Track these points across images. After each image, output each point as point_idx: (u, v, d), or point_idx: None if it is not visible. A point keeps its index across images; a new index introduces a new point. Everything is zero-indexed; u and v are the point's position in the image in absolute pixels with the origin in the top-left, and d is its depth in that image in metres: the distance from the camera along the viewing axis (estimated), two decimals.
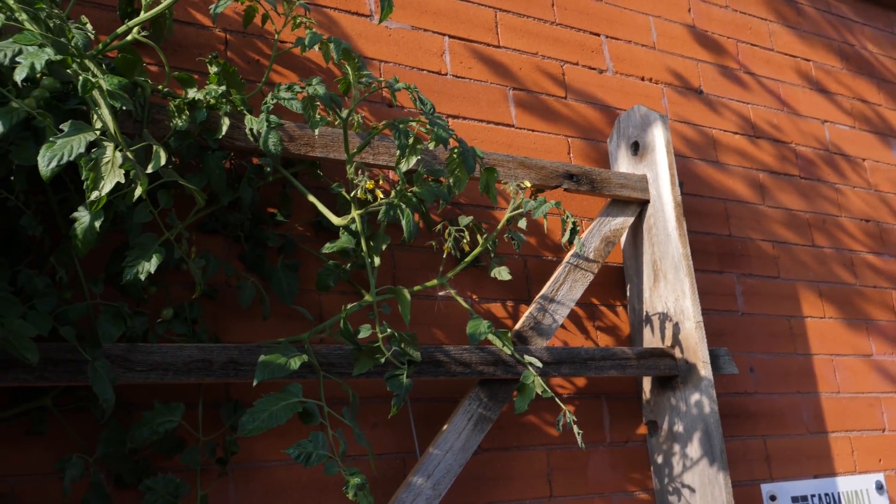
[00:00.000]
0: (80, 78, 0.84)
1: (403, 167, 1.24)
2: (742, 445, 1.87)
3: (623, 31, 2.02)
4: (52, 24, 0.95)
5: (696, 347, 1.66)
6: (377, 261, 1.32)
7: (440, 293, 1.52)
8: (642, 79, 2.01)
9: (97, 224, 0.96)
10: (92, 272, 1.18)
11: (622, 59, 2.00)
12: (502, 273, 1.60)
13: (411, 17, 1.68)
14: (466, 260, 1.44)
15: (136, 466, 1.22)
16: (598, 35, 1.96)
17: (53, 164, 0.85)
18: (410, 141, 1.20)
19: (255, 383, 1.13)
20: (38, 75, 0.97)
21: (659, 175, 1.76)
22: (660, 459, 1.72)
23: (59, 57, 0.83)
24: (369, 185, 1.20)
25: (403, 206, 1.23)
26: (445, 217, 1.57)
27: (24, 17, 0.87)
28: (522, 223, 1.50)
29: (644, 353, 1.67)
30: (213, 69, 1.31)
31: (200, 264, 1.22)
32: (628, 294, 1.83)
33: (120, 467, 1.21)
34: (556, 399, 1.36)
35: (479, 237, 1.50)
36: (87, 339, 1.11)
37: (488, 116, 1.73)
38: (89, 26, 1.21)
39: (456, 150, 1.27)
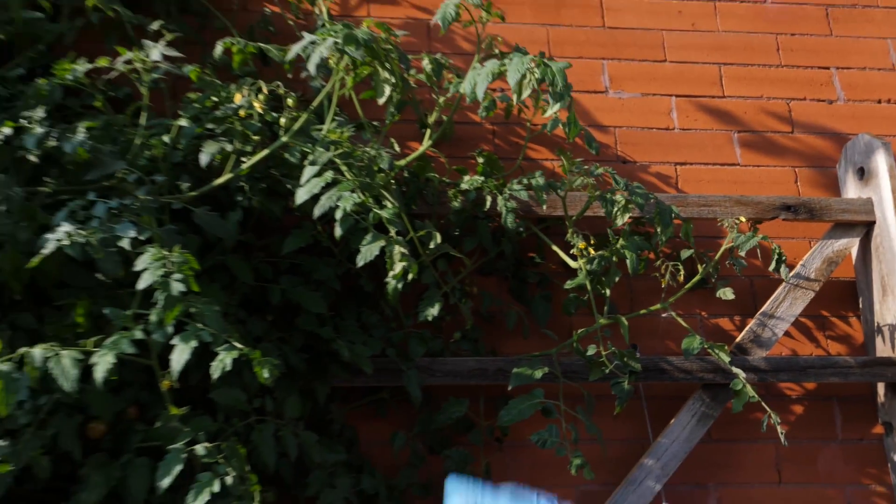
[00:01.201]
0: (371, 213, 1.28)
1: (619, 222, 1.55)
2: None
3: (856, 59, 2.04)
4: (364, 163, 1.42)
5: None
6: (608, 292, 1.63)
7: (663, 315, 1.77)
8: (878, 101, 2.02)
9: (399, 286, 1.40)
10: (406, 310, 1.66)
11: (854, 86, 2.03)
12: (727, 293, 1.79)
13: (640, 87, 1.94)
14: (686, 287, 1.69)
15: (440, 439, 1.68)
16: (828, 68, 2.02)
17: (367, 258, 1.31)
18: (615, 209, 1.50)
19: (510, 388, 1.53)
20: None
21: (883, 198, 1.81)
22: None
23: (361, 199, 1.28)
24: (581, 245, 1.52)
25: (623, 250, 1.54)
26: (675, 248, 1.81)
27: (344, 168, 1.34)
28: (744, 250, 1.70)
29: (868, 362, 1.75)
30: (480, 160, 1.73)
31: (469, 305, 1.64)
32: (861, 306, 1.89)
33: (430, 440, 1.68)
34: (762, 402, 1.55)
35: (699, 266, 1.73)
36: (404, 355, 1.60)
37: (714, 159, 1.92)
38: (396, 146, 1.69)
39: (657, 209, 1.54)
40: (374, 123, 1.66)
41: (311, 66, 1.19)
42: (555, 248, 1.67)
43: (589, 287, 1.56)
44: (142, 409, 1.43)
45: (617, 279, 1.67)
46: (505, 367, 1.64)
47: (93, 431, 1.38)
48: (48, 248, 1.19)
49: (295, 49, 1.24)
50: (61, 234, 1.20)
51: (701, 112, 1.95)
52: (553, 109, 1.24)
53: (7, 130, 1.31)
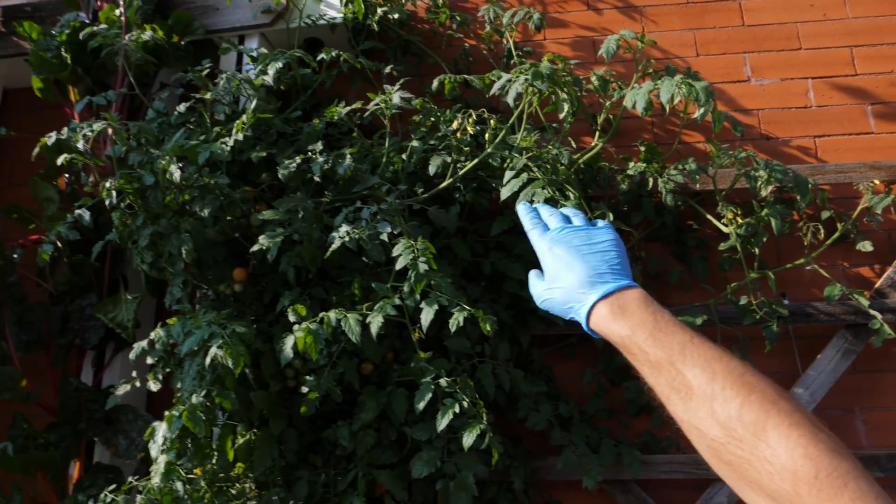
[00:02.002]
0: (559, 203, 1.63)
1: (763, 193, 1.79)
2: None
3: None
4: (550, 162, 1.77)
5: None
6: (757, 251, 1.88)
7: (807, 267, 1.98)
8: None
9: None
10: None
11: None
12: (865, 245, 1.96)
13: (779, 73, 2.14)
14: (827, 242, 1.89)
15: (620, 374, 2.01)
16: None
17: None
18: (759, 183, 1.75)
19: None
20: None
21: None
22: None
23: (550, 193, 1.62)
24: (730, 215, 1.78)
25: (768, 217, 1.79)
26: (818, 210, 2.01)
27: (535, 169, 1.69)
28: (879, 208, 1.88)
29: None
30: (642, 148, 2.02)
31: (639, 268, 1.95)
32: None
33: (611, 375, 2.02)
34: None
35: (838, 225, 1.93)
36: None
37: (849, 130, 2.08)
38: (572, 143, 2.03)
39: (795, 181, 1.77)
40: (554, 126, 2.01)
41: (510, 100, 1.55)
42: (709, 216, 1.93)
43: (739, 248, 1.82)
44: (396, 354, 1.88)
45: (764, 239, 1.90)
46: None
47: (365, 369, 1.83)
48: (336, 244, 1.62)
49: (497, 86, 1.61)
50: (342, 232, 1.64)
51: (835, 91, 2.12)
52: (698, 114, 1.52)
53: (298, 160, 1.79)
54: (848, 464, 0.60)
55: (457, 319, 1.55)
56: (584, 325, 0.90)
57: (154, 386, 1.79)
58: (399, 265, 1.58)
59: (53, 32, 2.19)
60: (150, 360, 1.79)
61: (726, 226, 1.85)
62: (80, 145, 1.60)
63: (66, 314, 2.03)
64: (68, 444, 1.95)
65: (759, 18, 2.21)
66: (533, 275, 1.02)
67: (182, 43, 2.22)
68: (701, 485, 1.88)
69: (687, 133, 2.14)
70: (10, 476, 2.00)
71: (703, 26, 2.22)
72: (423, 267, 1.56)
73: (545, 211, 1.07)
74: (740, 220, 1.76)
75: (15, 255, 2.01)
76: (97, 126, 1.64)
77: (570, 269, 0.91)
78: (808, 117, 2.11)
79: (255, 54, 2.07)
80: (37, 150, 1.68)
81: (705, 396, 0.70)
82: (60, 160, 1.63)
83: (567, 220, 1.03)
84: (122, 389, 1.82)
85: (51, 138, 1.64)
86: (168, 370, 1.80)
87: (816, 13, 2.19)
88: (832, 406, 1.92)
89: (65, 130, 1.65)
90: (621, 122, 2.15)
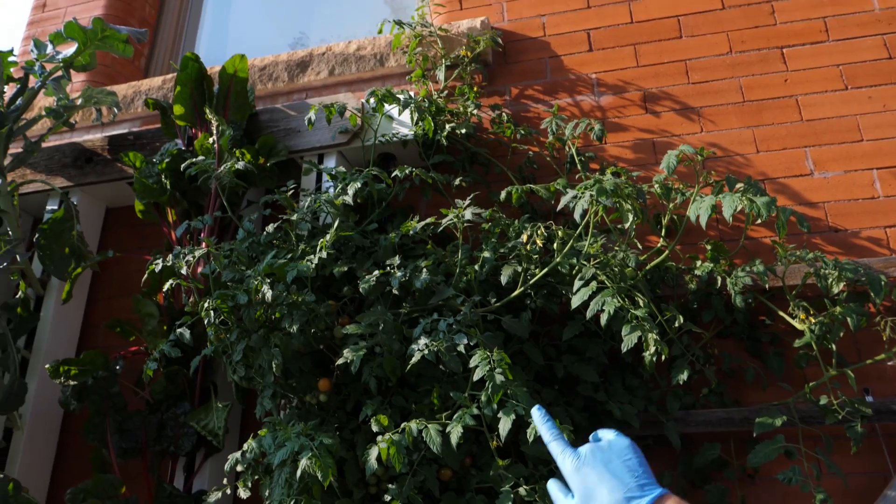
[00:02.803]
0: (628, 314, 1.66)
1: (835, 290, 1.78)
2: None
3: None
4: (618, 265, 1.81)
5: None
6: (834, 346, 1.85)
7: (889, 363, 1.93)
8: None
9: (653, 359, 1.75)
10: (660, 372, 2.01)
11: None
12: None
13: (842, 166, 2.14)
14: None
15: (700, 476, 1.97)
16: None
17: (629, 345, 1.68)
18: (830, 281, 1.74)
19: (754, 435, 1.80)
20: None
21: None
22: None
23: (619, 303, 1.66)
24: (802, 316, 1.77)
25: (841, 315, 1.77)
26: (894, 303, 1.98)
27: (603, 277, 1.74)
28: None
29: None
30: (708, 247, 2.04)
31: (713, 368, 1.94)
32: None
33: (690, 477, 1.98)
34: None
35: None
36: (663, 410, 1.94)
37: None
38: (639, 245, 2.07)
39: (867, 277, 1.76)
40: (619, 227, 2.06)
41: (577, 215, 1.62)
42: (781, 313, 1.92)
43: (815, 346, 1.79)
44: (473, 459, 1.90)
45: (841, 334, 1.87)
46: (749, 415, 1.91)
47: (443, 476, 1.85)
48: (416, 357, 1.69)
49: (564, 200, 1.68)
50: (421, 345, 1.71)
51: None
52: (759, 220, 1.55)
53: (377, 274, 1.88)
54: None
55: (534, 429, 1.57)
56: None
57: (244, 493, 1.85)
58: (476, 376, 1.63)
59: (154, 161, 2.40)
60: (239, 468, 1.87)
61: (801, 322, 1.84)
62: (184, 270, 1.74)
63: (161, 422, 2.14)
64: None
65: (817, 113, 2.23)
66: (556, 489, 1.10)
67: (267, 164, 2.39)
68: None
69: (753, 229, 2.15)
70: None
71: (762, 123, 2.26)
72: (499, 378, 1.60)
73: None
74: (813, 320, 1.74)
75: (118, 367, 2.15)
76: (198, 253, 1.77)
77: (605, 488, 0.99)
78: (876, 208, 2.10)
79: (333, 172, 2.22)
80: (146, 276, 1.82)
81: None
82: (167, 286, 1.76)
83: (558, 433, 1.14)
84: (214, 497, 1.89)
85: (158, 265, 1.79)
86: (256, 477, 1.87)
87: (876, 104, 2.20)
88: None
89: (170, 258, 1.79)
90: (688, 227, 2.18)
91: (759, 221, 1.51)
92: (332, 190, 2.17)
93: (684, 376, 1.81)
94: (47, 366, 2.11)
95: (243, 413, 2.32)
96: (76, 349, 2.62)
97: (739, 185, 1.50)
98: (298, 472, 1.57)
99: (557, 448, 1.10)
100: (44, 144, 2.95)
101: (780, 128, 2.25)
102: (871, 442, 1.90)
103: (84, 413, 2.48)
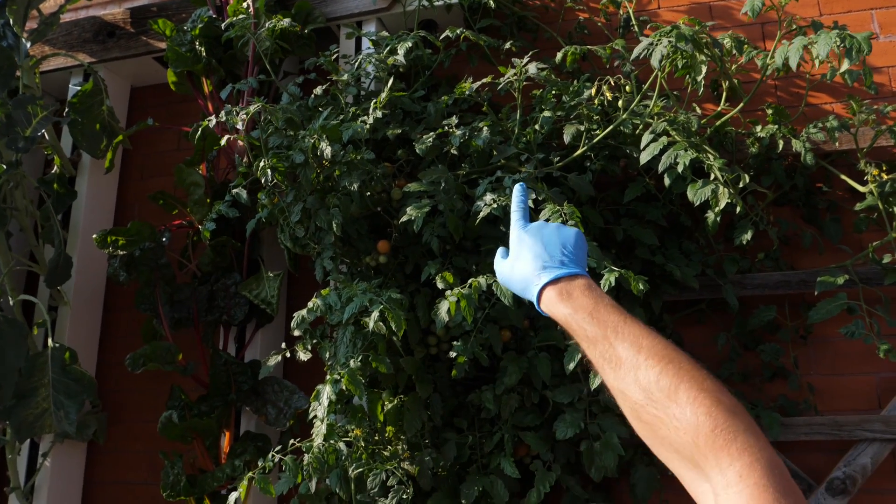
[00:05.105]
0: (706, 164, 1.62)
1: None
2: None
3: None
4: (684, 126, 1.76)
5: None
6: (895, 210, 1.83)
7: None
8: None
9: (718, 218, 1.72)
10: (718, 237, 1.99)
11: None
12: None
13: None
14: None
15: (753, 338, 1.99)
16: None
17: (701, 198, 1.65)
18: None
19: (816, 293, 1.80)
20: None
21: None
22: None
23: (694, 154, 1.62)
24: (875, 171, 1.74)
25: None
26: None
27: (673, 133, 1.69)
28: None
29: None
30: (769, 111, 1.99)
31: (775, 230, 1.92)
32: None
33: (744, 339, 1.99)
34: None
35: None
36: (720, 273, 1.93)
37: None
38: (698, 109, 2.01)
39: None
40: (676, 93, 2.00)
41: (654, 62, 1.56)
42: (843, 177, 1.89)
43: (881, 205, 1.77)
44: (531, 321, 1.90)
45: None
46: (806, 278, 1.90)
47: (504, 336, 1.86)
48: (484, 212, 1.66)
49: (639, 48, 1.61)
50: (489, 199, 1.68)
51: None
52: (845, 66, 1.49)
53: (433, 135, 1.83)
54: (741, 422, 0.72)
55: (608, 280, 1.56)
56: (535, 304, 1.00)
57: (304, 356, 1.86)
58: None
59: (186, 28, 2.29)
60: (296, 332, 1.87)
61: (865, 184, 1.81)
62: (239, 125, 1.68)
63: (212, 293, 2.13)
64: (220, 413, 2.05)
65: None
66: (499, 252, 1.14)
67: (304, 32, 2.29)
68: (842, 446, 1.85)
69: (813, 94, 2.09)
70: (169, 444, 2.12)
71: None
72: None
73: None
74: (885, 177, 1.71)
75: (164, 239, 2.12)
76: (253, 108, 1.71)
77: (532, 253, 1.02)
78: None
79: (375, 38, 2.13)
80: (198, 132, 1.76)
81: (631, 366, 0.82)
82: (224, 141, 1.71)
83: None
84: (274, 360, 1.90)
85: (211, 121, 1.73)
86: (315, 341, 1.88)
87: None
88: None
89: (222, 114, 1.73)
90: (745, 88, 2.12)
91: (842, 70, 1.46)
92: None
93: (748, 236, 1.79)
94: (94, 235, 2.08)
95: (289, 285, 2.31)
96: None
97: (833, 30, 1.43)
98: (371, 324, 1.56)
99: (515, 217, 1.13)
100: (61, 18, 2.81)
101: None
102: None
103: (126, 289, 2.47)
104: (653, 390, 0.79)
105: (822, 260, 2.00)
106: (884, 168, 1.74)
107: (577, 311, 0.93)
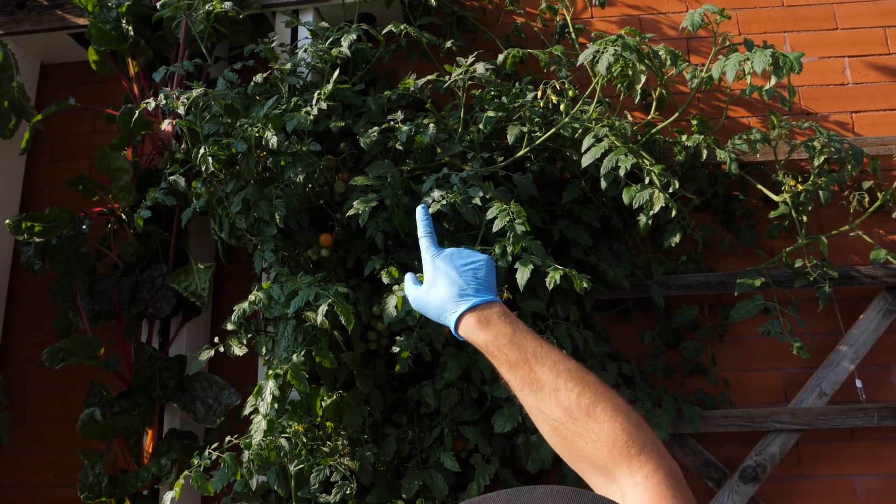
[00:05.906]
0: (645, 169, 1.70)
1: (816, 163, 1.89)
2: None
3: None
4: (618, 131, 1.84)
5: None
6: (805, 218, 1.98)
7: (850, 234, 2.09)
8: None
9: (649, 221, 1.82)
10: (645, 240, 2.09)
11: None
12: None
13: (817, 52, 2.24)
14: (870, 210, 2.00)
15: (676, 336, 2.10)
16: None
17: (639, 202, 1.73)
18: (815, 153, 1.85)
19: (736, 294, 1.92)
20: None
21: None
22: None
23: (634, 160, 1.69)
24: (792, 182, 1.88)
25: (818, 187, 1.89)
26: (855, 181, 2.13)
27: (613, 138, 1.76)
28: None
29: None
30: (694, 122, 2.11)
31: (700, 234, 2.03)
32: None
33: (667, 336, 2.10)
34: None
35: (878, 194, 2.04)
36: (648, 274, 2.03)
37: (884, 106, 2.20)
38: (629, 116, 2.10)
39: (850, 151, 1.87)
40: (607, 100, 2.09)
41: (602, 68, 1.62)
42: (759, 186, 2.03)
43: (794, 214, 1.92)
44: None
45: (810, 208, 2.01)
46: (725, 280, 2.03)
47: (446, 332, 1.88)
48: (433, 208, 1.67)
49: (584, 55, 1.67)
50: (437, 196, 1.69)
51: (870, 69, 2.23)
52: (772, 82, 1.60)
53: (378, 130, 1.82)
54: (647, 435, 0.84)
55: (553, 278, 1.61)
56: (452, 330, 1.04)
57: (239, 351, 1.81)
58: (496, 227, 1.62)
59: (111, 4, 2.18)
60: (230, 326, 1.82)
61: (779, 193, 1.95)
62: (181, 110, 1.61)
63: (136, 285, 2.03)
64: (143, 410, 1.97)
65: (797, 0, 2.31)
66: (409, 278, 1.17)
67: (240, 17, 2.23)
68: (754, 437, 1.98)
69: (732, 108, 2.23)
70: (83, 443, 2.00)
71: (745, 6, 2.31)
72: (520, 228, 1.61)
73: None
74: (800, 188, 1.85)
75: (84, 226, 2.01)
76: (195, 92, 1.65)
77: (448, 280, 1.06)
78: (844, 94, 2.22)
79: (313, 28, 2.10)
80: (133, 115, 1.68)
81: (552, 389, 0.90)
82: (165, 125, 1.63)
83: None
84: (206, 355, 1.84)
85: (150, 104, 1.65)
86: (250, 336, 1.83)
87: None
88: (873, 363, 2.04)
89: (161, 97, 1.65)
90: (669, 98, 2.23)
91: (767, 87, 1.57)
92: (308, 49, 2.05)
93: (677, 239, 1.89)
94: (8, 221, 1.94)
95: (215, 279, 2.24)
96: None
97: (767, 49, 1.53)
98: (319, 319, 1.55)
99: (425, 243, 1.15)
100: None
101: (761, 11, 2.31)
102: (826, 307, 2.08)
103: (32, 280, 2.32)
104: (573, 409, 0.87)
105: (738, 263, 2.13)
106: (799, 179, 1.87)
107: (497, 338, 0.98)
